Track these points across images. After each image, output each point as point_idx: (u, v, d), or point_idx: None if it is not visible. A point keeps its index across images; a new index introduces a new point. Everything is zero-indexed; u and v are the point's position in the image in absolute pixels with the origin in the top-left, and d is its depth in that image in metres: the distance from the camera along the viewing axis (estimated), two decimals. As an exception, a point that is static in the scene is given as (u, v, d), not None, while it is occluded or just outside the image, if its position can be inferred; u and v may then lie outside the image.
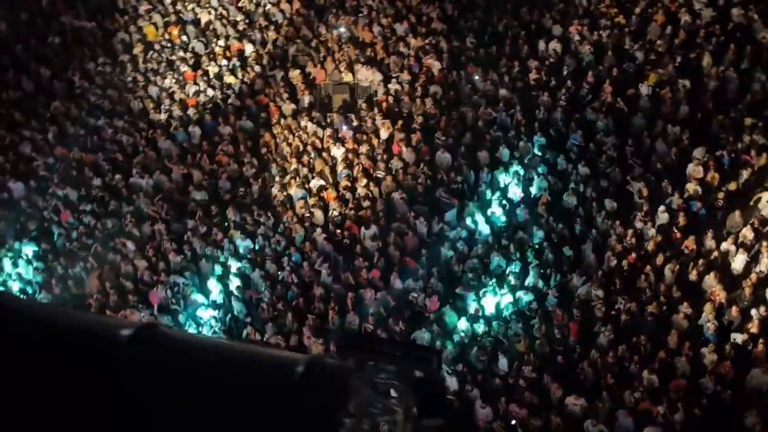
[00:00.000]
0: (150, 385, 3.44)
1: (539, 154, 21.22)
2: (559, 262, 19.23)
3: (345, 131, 23.23)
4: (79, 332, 3.57)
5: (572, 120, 21.45)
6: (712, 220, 19.07)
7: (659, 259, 18.41)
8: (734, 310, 16.95)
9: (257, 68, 25.41)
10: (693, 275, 18.01)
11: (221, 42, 26.37)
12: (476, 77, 23.92)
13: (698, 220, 19.08)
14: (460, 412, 16.06)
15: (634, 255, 18.96)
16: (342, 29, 26.47)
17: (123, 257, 20.04)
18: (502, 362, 17.69)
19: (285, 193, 21.46)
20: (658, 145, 20.70)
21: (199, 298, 19.03)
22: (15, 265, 20.07)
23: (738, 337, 16.61)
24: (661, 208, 19.35)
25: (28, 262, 20.24)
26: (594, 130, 21.36)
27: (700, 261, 18.16)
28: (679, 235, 18.69)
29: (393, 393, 4.10)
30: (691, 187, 19.46)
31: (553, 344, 17.96)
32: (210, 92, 24.84)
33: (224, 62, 25.78)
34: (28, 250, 20.42)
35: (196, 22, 27.08)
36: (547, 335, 18.00)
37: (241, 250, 20.13)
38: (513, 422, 16.26)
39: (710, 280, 17.76)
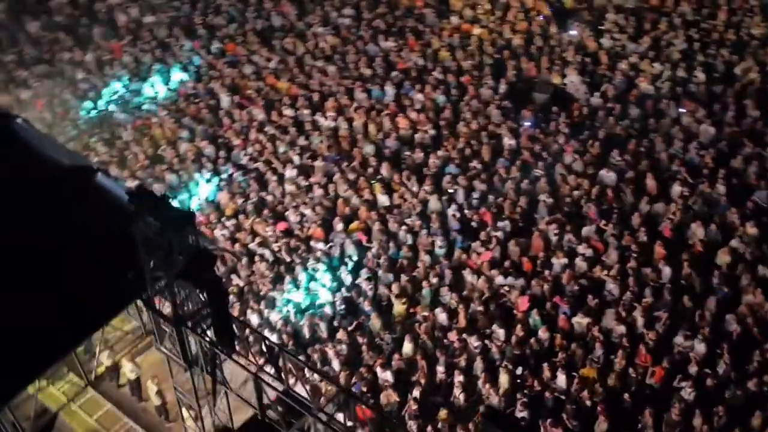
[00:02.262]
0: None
1: None
2: (675, 308, 18.22)
3: (526, 127, 23.57)
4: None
5: None
6: None
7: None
8: None
9: (473, 50, 26.47)
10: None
11: (453, 19, 27.83)
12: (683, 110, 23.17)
13: None
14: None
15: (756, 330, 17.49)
16: (573, 32, 26.80)
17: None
18: (561, 379, 17.29)
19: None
20: None
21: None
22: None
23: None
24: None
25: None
26: None
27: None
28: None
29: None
30: None
31: (624, 381, 17.22)
32: (420, 61, 26.35)
33: (447, 39, 27.18)
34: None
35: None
36: (622, 371, 17.28)
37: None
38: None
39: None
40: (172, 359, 13.37)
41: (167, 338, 13.03)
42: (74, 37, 29.48)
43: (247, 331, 15.54)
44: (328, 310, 19.67)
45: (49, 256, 11.44)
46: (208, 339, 12.63)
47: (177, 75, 27.50)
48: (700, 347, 17.48)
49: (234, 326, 13.06)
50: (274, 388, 13.42)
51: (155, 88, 27.18)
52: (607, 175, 21.85)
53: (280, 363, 14.05)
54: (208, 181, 23.48)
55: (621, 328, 18.24)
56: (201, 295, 12.14)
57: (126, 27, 30.06)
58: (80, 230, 11.65)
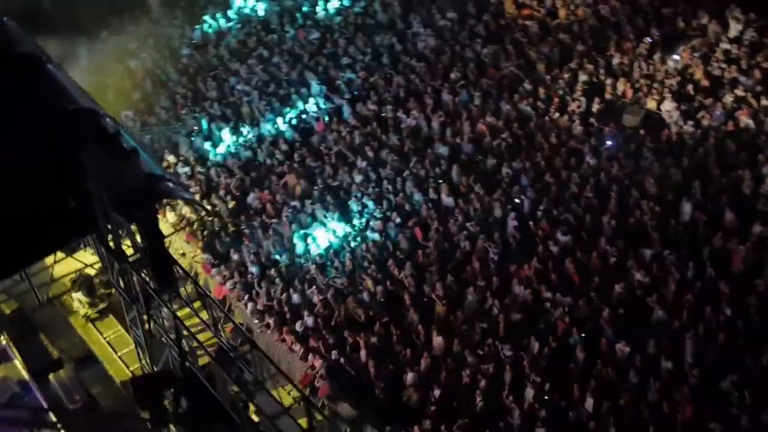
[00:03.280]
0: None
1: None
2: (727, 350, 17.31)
3: (608, 147, 22.96)
4: None
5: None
6: None
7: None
8: None
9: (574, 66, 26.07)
10: None
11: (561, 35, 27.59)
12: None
13: None
14: None
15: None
16: (677, 58, 25.88)
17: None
18: (589, 403, 16.70)
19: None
20: None
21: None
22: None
23: None
24: None
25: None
26: None
27: None
28: None
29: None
30: None
31: (656, 415, 16.45)
32: (513, 71, 26.15)
33: (546, 52, 26.87)
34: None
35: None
36: (656, 404, 16.54)
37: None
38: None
39: None
40: (121, 294, 13.72)
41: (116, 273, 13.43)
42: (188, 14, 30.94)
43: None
44: (366, 297, 19.70)
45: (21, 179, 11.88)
46: (142, 277, 12.81)
47: (275, 59, 28.33)
48: (746, 394, 16.43)
49: (173, 269, 13.15)
50: (193, 336, 13.35)
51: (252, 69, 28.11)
52: (684, 205, 20.90)
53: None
54: (282, 161, 24.04)
55: (667, 364, 17.39)
56: (135, 230, 12.43)
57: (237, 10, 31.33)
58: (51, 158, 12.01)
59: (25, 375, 18.79)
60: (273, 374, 15.95)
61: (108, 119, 12.58)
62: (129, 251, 13.46)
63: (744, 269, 19.14)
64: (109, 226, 12.54)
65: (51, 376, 18.88)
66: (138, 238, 12.78)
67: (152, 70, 28.21)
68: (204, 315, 14.37)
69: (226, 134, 25.40)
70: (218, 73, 28.06)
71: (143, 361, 15.17)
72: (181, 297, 13.78)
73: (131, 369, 19.41)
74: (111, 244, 13.15)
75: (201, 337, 13.61)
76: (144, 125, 26.02)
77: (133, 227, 12.89)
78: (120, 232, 13.00)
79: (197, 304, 14.92)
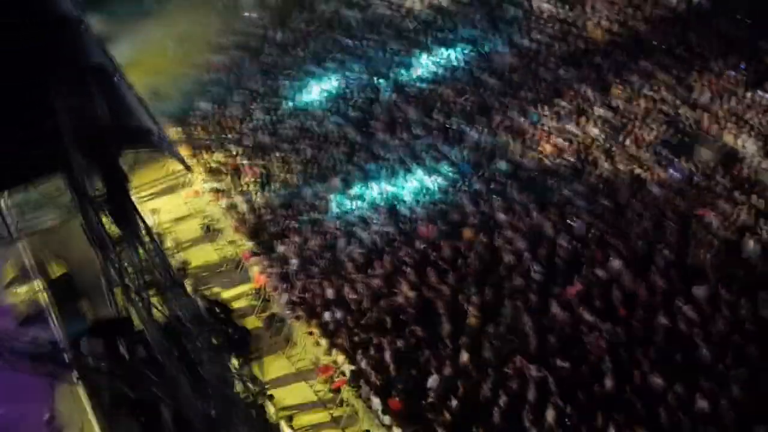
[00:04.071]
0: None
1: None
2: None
3: (674, 177, 22.07)
4: None
5: None
6: None
7: None
8: None
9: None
10: None
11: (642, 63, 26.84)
12: None
13: None
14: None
15: None
16: (764, 94, 24.69)
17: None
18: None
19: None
20: None
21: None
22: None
23: None
24: None
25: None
26: None
27: None
28: None
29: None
30: None
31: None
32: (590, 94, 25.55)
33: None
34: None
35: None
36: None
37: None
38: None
39: None
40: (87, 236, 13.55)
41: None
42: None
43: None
44: (401, 300, 19.39)
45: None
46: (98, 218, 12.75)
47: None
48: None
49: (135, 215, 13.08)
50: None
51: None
52: (747, 243, 19.79)
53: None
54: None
55: (703, 403, 16.36)
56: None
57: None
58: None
59: (60, 338, 19.18)
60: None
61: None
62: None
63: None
64: (74, 165, 12.53)
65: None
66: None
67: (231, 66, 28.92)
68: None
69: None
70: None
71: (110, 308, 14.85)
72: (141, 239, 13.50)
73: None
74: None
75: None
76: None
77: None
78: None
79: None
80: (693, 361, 17.34)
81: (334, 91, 28.15)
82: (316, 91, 28.18)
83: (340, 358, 18.35)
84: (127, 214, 12.86)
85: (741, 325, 17.75)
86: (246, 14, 30.78)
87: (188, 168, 22.07)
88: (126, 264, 13.29)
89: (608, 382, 16.94)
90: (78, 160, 12.24)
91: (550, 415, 16.46)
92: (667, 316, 18.19)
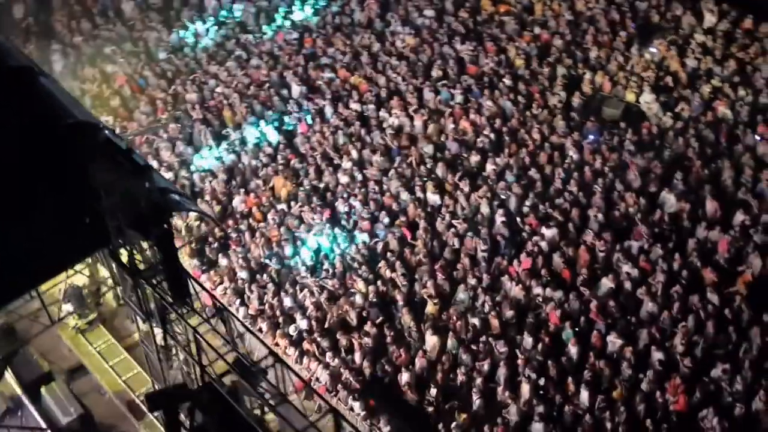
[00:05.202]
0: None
1: None
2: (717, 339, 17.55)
3: (590, 141, 23.14)
4: None
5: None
6: None
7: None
8: None
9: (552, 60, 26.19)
10: None
11: (536, 29, 27.67)
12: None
13: None
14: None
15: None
16: (654, 50, 26.14)
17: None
18: (584, 396, 16.86)
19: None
20: None
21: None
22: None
23: None
24: None
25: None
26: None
27: None
28: None
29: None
30: None
31: (650, 406, 16.66)
32: (493, 67, 26.24)
33: (524, 48, 26.96)
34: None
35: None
36: (649, 395, 16.76)
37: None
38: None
39: None
40: (134, 310, 13.66)
41: (129, 289, 13.36)
42: (163, 18, 30.63)
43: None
44: (359, 299, 19.72)
45: (26, 197, 11.79)
46: (158, 292, 12.82)
47: (253, 61, 28.15)
48: (737, 380, 16.71)
49: (189, 283, 13.17)
50: (216, 351, 13.36)
51: (231, 72, 27.88)
52: (668, 197, 21.16)
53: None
54: (266, 165, 23.93)
55: (658, 354, 17.61)
56: (149, 246, 12.41)
57: (214, 13, 31.02)
58: (61, 177, 11.97)
59: (18, 390, 18.55)
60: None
61: (110, 132, 12.49)
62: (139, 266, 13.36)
63: (728, 258, 19.42)
64: (122, 242, 12.44)
65: (43, 390, 18.66)
66: (149, 253, 12.67)
67: (131, 76, 27.81)
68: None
69: (208, 138, 25.21)
70: (197, 76, 27.77)
71: (154, 376, 15.01)
72: (196, 311, 13.72)
73: (124, 379, 19.25)
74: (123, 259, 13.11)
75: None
76: (123, 131, 25.75)
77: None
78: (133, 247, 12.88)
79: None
80: (642, 316, 18.64)
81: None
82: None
83: (313, 365, 18.57)
84: (183, 284, 12.71)
85: (678, 276, 19.11)
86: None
87: (217, 224, 21.47)
88: (179, 332, 13.24)
89: (572, 349, 17.95)
90: (130, 237, 12.05)
91: (525, 389, 17.34)
92: (610, 276, 19.38)
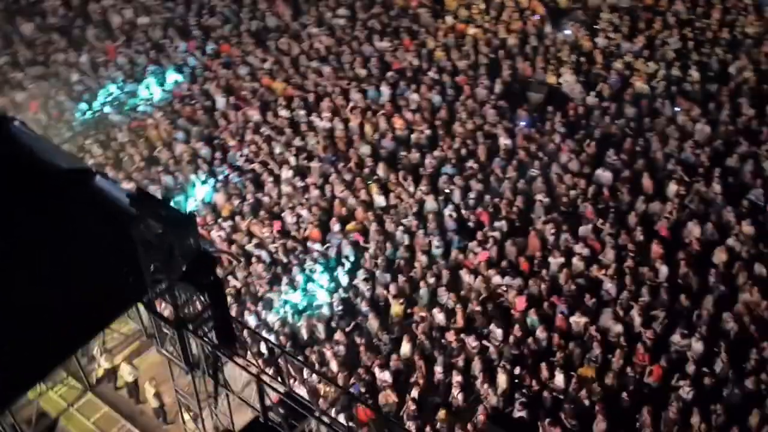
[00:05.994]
0: None
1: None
2: (672, 307, 18.27)
3: (522, 127, 23.62)
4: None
5: None
6: None
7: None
8: None
9: (468, 50, 26.50)
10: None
11: (448, 19, 27.92)
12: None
13: None
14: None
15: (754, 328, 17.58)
16: (567, 32, 26.87)
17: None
18: (559, 379, 17.33)
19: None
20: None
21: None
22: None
23: None
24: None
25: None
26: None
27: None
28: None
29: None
30: None
31: (622, 380, 17.27)
32: (415, 61, 26.37)
33: (442, 39, 27.21)
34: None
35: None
36: (620, 370, 17.36)
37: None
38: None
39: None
40: (173, 362, 13.34)
41: (168, 341, 13.01)
42: (68, 38, 29.39)
43: (246, 332, 15.49)
44: (325, 311, 19.65)
45: (48, 260, 11.37)
46: (209, 341, 12.61)
47: (172, 76, 27.41)
48: (698, 346, 17.53)
49: (234, 328, 13.04)
50: (277, 390, 13.36)
51: (150, 89, 27.07)
52: (603, 175, 21.91)
53: (281, 364, 13.98)
54: (204, 182, 23.42)
55: (618, 327, 18.27)
56: (201, 297, 12.14)
57: (120, 28, 29.97)
58: (79, 233, 11.59)
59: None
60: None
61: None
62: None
63: (670, 230, 20.29)
64: (164, 295, 12.02)
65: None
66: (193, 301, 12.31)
67: (44, 101, 26.63)
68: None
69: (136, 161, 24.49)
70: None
71: (199, 428, 14.55)
72: (245, 356, 13.56)
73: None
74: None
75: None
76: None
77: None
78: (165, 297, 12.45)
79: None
80: (599, 294, 19.27)
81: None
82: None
83: (291, 381, 18.36)
84: (231, 330, 12.32)
85: (627, 252, 19.85)
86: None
87: (237, 260, 20.63)
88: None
89: (539, 334, 18.43)
90: (178, 288, 11.58)
91: (501, 379, 17.71)
92: (564, 258, 19.96)
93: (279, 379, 14.02)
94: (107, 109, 26.48)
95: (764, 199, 20.71)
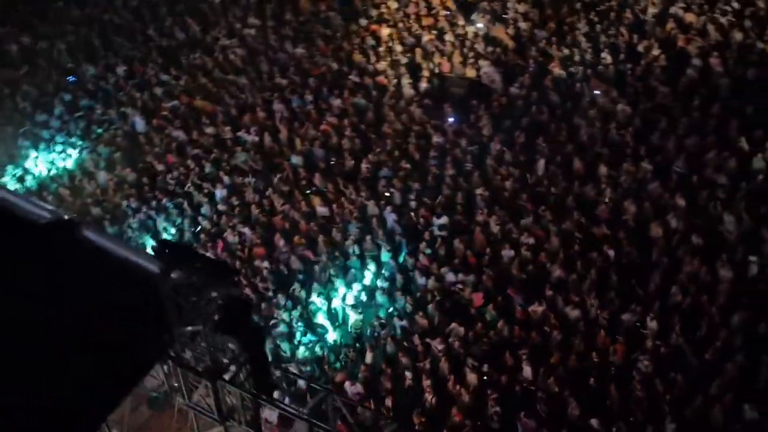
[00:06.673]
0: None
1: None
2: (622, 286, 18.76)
3: (450, 123, 23.75)
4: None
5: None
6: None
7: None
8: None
9: (384, 50, 26.43)
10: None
11: (360, 20, 27.78)
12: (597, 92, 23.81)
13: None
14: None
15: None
16: (479, 25, 27.13)
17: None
18: (526, 370, 17.56)
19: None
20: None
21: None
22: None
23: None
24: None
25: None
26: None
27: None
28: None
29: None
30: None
31: (586, 363, 17.64)
32: (334, 66, 26.15)
33: (357, 41, 27.10)
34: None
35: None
36: (583, 354, 17.71)
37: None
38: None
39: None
40: (202, 414, 12.81)
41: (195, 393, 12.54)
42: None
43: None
44: (282, 329, 19.32)
45: (64, 327, 10.64)
46: (248, 389, 12.18)
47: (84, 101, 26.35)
48: (653, 322, 18.08)
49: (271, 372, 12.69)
50: (323, 427, 12.79)
51: (62, 117, 25.94)
52: (538, 164, 22.26)
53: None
54: (136, 210, 22.61)
55: (575, 312, 18.67)
56: (235, 344, 11.77)
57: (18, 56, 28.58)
58: (83, 294, 10.90)
59: None
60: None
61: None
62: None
63: (608, 211, 20.84)
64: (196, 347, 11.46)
65: None
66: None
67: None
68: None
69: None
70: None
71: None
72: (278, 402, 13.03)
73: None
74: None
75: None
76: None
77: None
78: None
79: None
80: (550, 281, 19.65)
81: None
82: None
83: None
84: (269, 377, 11.75)
85: (571, 237, 20.29)
86: None
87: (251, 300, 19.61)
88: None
89: (501, 327, 18.65)
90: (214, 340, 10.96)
91: (471, 377, 17.84)
92: (512, 250, 20.24)
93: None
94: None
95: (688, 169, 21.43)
